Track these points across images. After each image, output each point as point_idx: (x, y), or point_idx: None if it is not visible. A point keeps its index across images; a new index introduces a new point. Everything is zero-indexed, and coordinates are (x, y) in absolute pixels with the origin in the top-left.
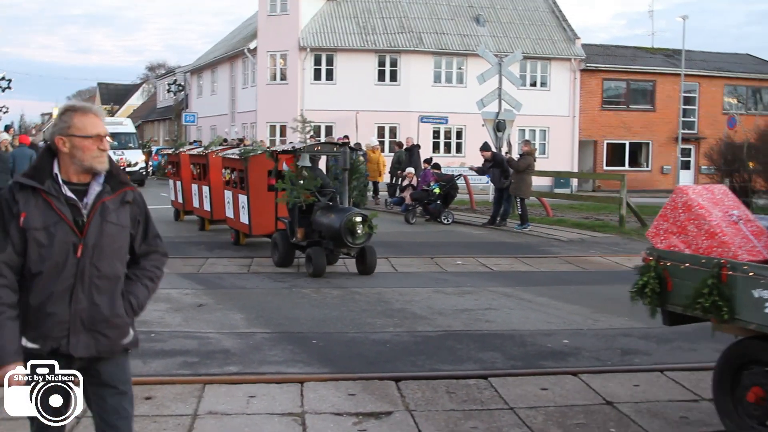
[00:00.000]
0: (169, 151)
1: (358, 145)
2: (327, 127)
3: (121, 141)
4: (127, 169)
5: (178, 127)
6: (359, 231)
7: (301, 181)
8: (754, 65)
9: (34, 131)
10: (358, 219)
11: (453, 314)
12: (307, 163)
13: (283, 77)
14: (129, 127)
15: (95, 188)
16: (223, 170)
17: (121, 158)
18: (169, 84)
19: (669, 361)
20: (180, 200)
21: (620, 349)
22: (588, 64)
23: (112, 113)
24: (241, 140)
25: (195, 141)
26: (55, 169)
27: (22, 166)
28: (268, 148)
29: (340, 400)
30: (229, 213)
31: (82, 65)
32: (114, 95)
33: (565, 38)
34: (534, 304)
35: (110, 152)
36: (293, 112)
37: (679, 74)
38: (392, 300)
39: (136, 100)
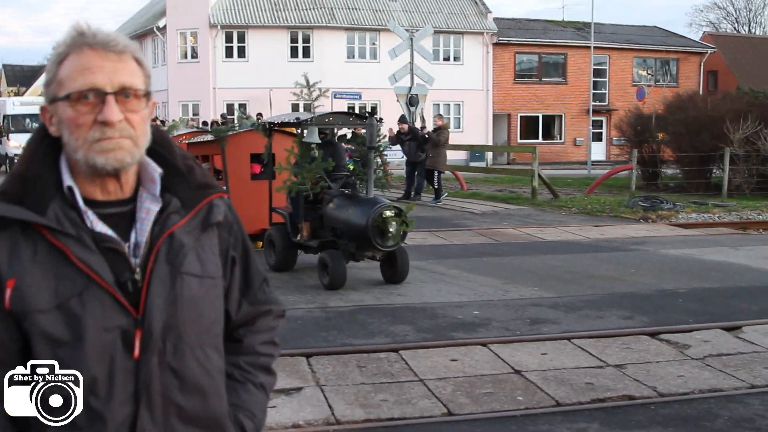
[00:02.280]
0: None
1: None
2: (240, 104)
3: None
4: None
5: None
6: (392, 230)
7: (308, 164)
8: (662, 37)
9: None
10: (390, 213)
11: (365, 289)
12: (316, 139)
13: (194, 55)
14: None
15: (149, 206)
16: None
17: None
18: None
19: (577, 329)
20: None
21: (529, 318)
22: (500, 38)
23: (19, 95)
24: (154, 119)
25: None
26: (66, 178)
27: None
28: (258, 120)
29: None
30: None
31: None
32: (20, 77)
33: (477, 12)
34: (446, 277)
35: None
36: (205, 91)
37: (589, 47)
38: (305, 277)
39: (43, 81)
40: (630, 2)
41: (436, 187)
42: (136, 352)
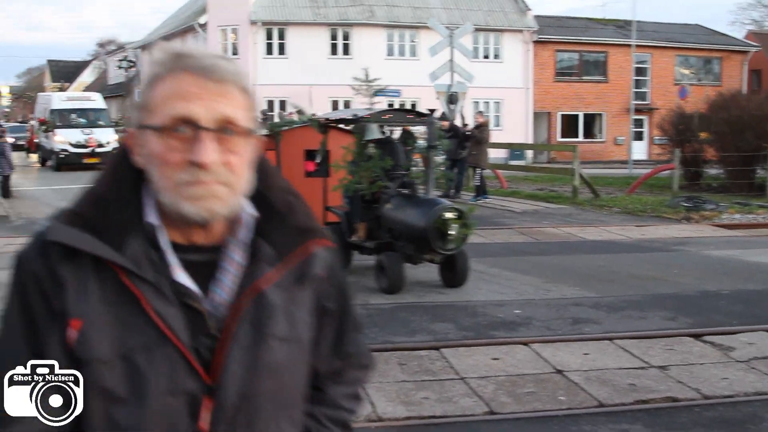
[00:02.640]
0: None
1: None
2: (280, 101)
3: (90, 118)
4: (98, 150)
5: (131, 103)
6: (452, 232)
7: (365, 162)
8: (704, 36)
9: None
10: (451, 215)
11: (406, 286)
12: (376, 136)
13: (235, 52)
14: (99, 102)
15: (236, 256)
16: None
17: (90, 137)
18: (119, 60)
19: (619, 329)
20: None
21: (571, 318)
22: (540, 36)
23: (62, 90)
24: None
25: None
26: (149, 212)
27: None
28: (313, 115)
29: None
30: None
31: (31, 43)
32: (64, 73)
33: (516, 10)
34: (486, 275)
35: (78, 131)
36: None
37: (630, 45)
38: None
39: (86, 77)
40: (672, 0)
41: (478, 184)
42: (204, 423)
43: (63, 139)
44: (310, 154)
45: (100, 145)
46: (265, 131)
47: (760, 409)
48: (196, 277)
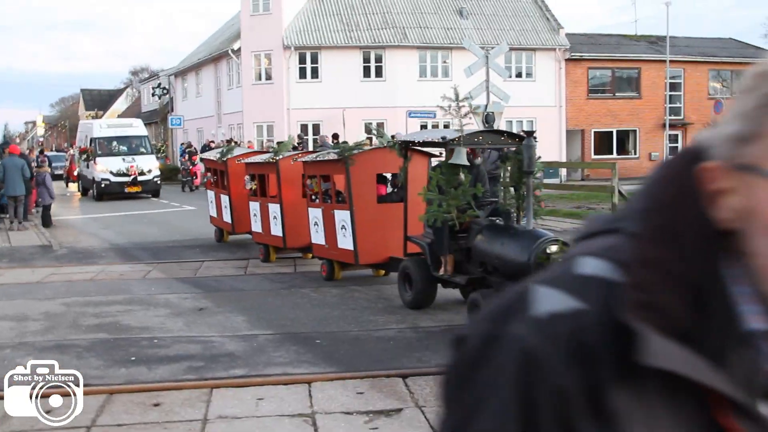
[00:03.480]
0: (212, 157)
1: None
2: (314, 125)
3: (131, 145)
4: (140, 178)
5: (164, 130)
6: None
7: (454, 189)
8: (737, 49)
9: (17, 140)
10: (556, 248)
11: (453, 308)
12: (464, 161)
13: (269, 77)
14: (140, 129)
15: None
16: (308, 180)
17: (132, 166)
18: (153, 88)
19: None
20: (227, 219)
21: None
22: (573, 54)
23: (96, 119)
24: (229, 141)
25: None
26: (748, 311)
27: (13, 178)
28: (392, 139)
29: (349, 399)
30: (317, 238)
31: (66, 71)
32: (98, 101)
33: (548, 28)
34: None
35: (119, 159)
36: (280, 112)
37: (663, 60)
38: (392, 296)
39: (120, 105)
40: (702, 13)
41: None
42: None
43: (104, 167)
44: (381, 179)
45: (142, 173)
46: (333, 156)
47: None
48: None
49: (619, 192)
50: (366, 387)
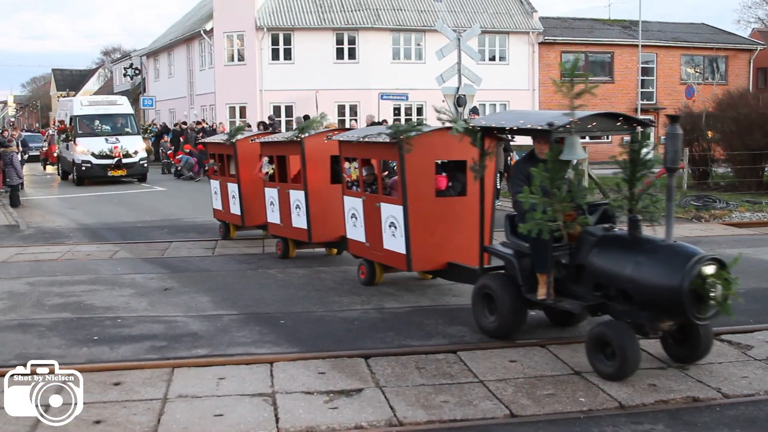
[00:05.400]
0: (219, 140)
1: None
2: (287, 107)
3: (115, 125)
4: (124, 161)
5: (136, 111)
6: (715, 293)
7: (559, 190)
8: (710, 35)
9: None
10: (712, 270)
11: (420, 290)
12: (580, 154)
13: (241, 58)
14: (125, 106)
15: None
16: (346, 164)
17: (116, 147)
18: (125, 68)
19: None
20: (236, 210)
21: (587, 319)
22: (546, 37)
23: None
24: (200, 123)
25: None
26: None
27: None
28: (462, 118)
29: (311, 379)
30: (355, 233)
31: (37, 52)
32: (69, 81)
33: (522, 12)
34: None
35: (101, 139)
36: (252, 93)
37: (636, 45)
38: (357, 278)
39: (92, 86)
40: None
41: (497, 187)
42: None
43: (85, 149)
44: (442, 168)
45: (127, 155)
46: (385, 138)
47: None
48: None
49: (589, 175)
50: (328, 367)
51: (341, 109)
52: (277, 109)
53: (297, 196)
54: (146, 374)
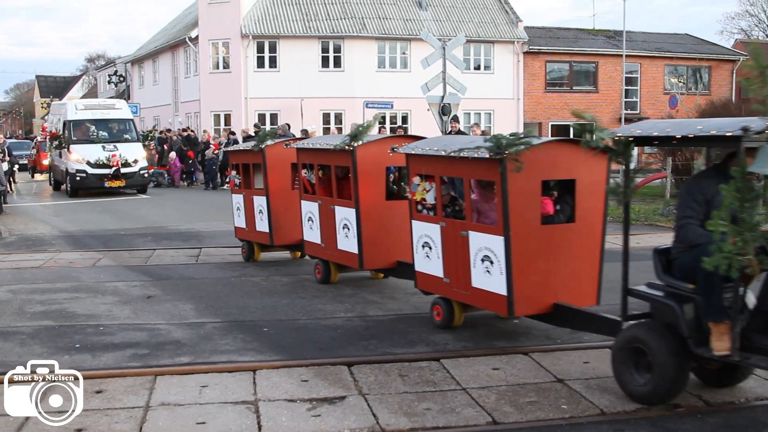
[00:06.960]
0: (245, 147)
1: (304, 131)
2: (272, 114)
3: (113, 131)
4: (123, 170)
5: None
6: None
7: (750, 215)
8: (693, 45)
9: None
10: None
11: (403, 298)
12: None
13: (226, 65)
14: (124, 111)
15: None
16: (416, 180)
17: (114, 155)
18: (109, 75)
19: None
20: (263, 228)
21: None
22: (531, 47)
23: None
24: (185, 130)
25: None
26: None
27: None
28: (600, 128)
29: (293, 387)
30: (429, 266)
31: (23, 58)
32: (53, 88)
33: (507, 21)
34: None
35: (98, 147)
36: (237, 101)
37: (620, 55)
38: (342, 286)
39: (76, 92)
40: (661, 10)
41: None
42: None
43: (79, 157)
44: (549, 188)
45: (126, 164)
46: (483, 151)
47: (763, 415)
48: None
49: None
50: (311, 375)
51: (326, 117)
52: (262, 117)
53: (345, 214)
54: (128, 382)
